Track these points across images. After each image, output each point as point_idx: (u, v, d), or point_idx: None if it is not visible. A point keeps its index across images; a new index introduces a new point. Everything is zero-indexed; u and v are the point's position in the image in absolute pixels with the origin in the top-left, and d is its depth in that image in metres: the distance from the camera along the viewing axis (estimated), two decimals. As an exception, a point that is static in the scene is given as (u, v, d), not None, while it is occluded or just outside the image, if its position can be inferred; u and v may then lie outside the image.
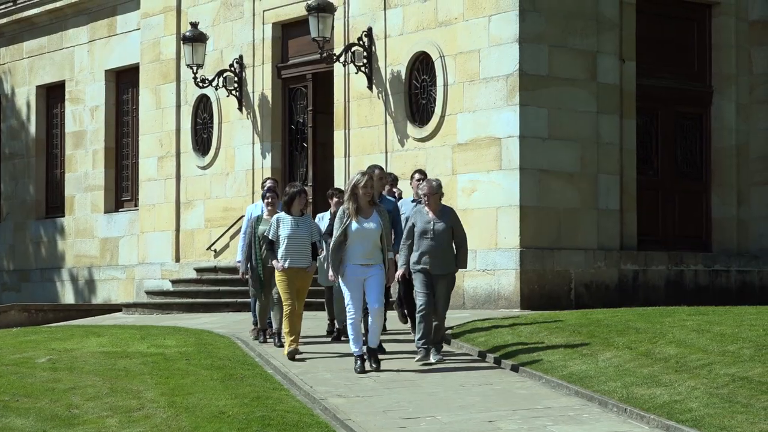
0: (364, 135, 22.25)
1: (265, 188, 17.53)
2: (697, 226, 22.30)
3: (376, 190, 14.77)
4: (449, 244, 14.62)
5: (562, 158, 19.88)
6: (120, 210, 29.68)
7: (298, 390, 13.13)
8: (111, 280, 29.15)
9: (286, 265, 15.07)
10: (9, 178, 32.95)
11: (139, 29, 27.73)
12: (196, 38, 24.76)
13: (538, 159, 19.51)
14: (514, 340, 15.44)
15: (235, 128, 24.93)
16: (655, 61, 21.68)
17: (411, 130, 21.38)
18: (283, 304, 15.19)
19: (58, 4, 30.98)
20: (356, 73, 22.25)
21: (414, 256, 14.42)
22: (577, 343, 14.85)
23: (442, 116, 20.85)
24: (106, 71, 29.99)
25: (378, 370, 14.04)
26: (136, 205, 28.42)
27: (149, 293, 24.41)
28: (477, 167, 19.26)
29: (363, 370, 13.90)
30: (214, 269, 24.00)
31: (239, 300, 21.52)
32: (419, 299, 14.45)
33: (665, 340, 14.52)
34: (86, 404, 12.39)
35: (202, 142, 25.71)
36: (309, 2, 22.09)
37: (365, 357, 14.11)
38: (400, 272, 14.71)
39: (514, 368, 14.05)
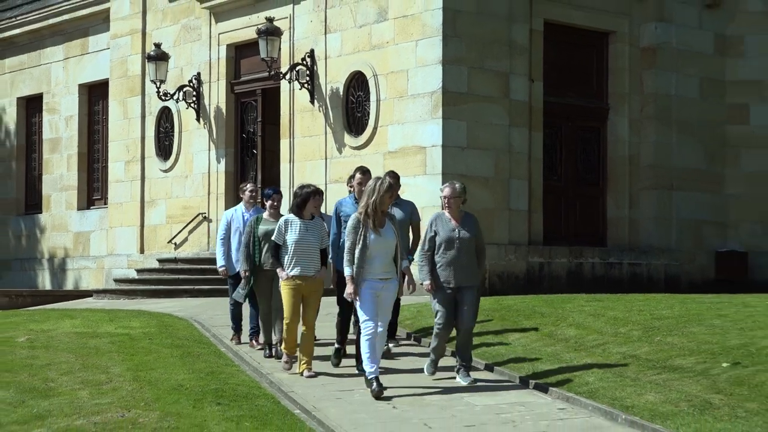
0: (306, 143, 22.23)
1: (271, 189, 14.62)
2: (594, 224, 22.47)
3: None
4: (474, 254, 11.82)
5: (478, 165, 19.96)
6: (91, 207, 29.48)
7: (248, 366, 13.14)
8: (83, 269, 28.96)
9: (292, 273, 12.23)
10: (-8, 180, 32.69)
11: (108, 48, 27.55)
12: (159, 57, 24.70)
13: (458, 165, 19.57)
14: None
15: (193, 136, 24.83)
16: (560, 82, 21.81)
17: (348, 139, 21.39)
18: (284, 316, 12.36)
19: (36, 26, 30.83)
20: (300, 89, 22.22)
21: (439, 269, 11.66)
22: (491, 327, 14.95)
23: (375, 128, 20.89)
24: (80, 85, 29.78)
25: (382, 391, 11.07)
26: (105, 203, 28.24)
27: (117, 281, 24.28)
28: (405, 172, 19.28)
29: (381, 393, 10.98)
30: (175, 260, 23.90)
31: (197, 287, 21.56)
32: (438, 317, 11.72)
33: (566, 323, 14.66)
34: (60, 378, 12.33)
35: (164, 148, 25.58)
36: (259, 27, 22.11)
37: (379, 378, 11.21)
38: (427, 284, 11.71)
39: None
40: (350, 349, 13.21)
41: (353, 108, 21.48)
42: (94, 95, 29.64)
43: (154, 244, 25.64)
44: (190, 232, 24.53)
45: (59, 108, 30.45)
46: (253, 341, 14.66)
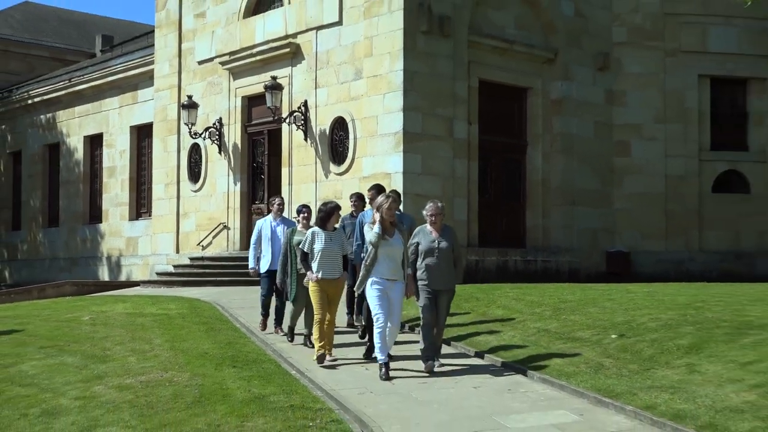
0: (301, 170, 22.16)
1: (302, 206, 13.38)
2: (516, 231, 22.47)
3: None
4: (451, 261, 10.86)
5: (430, 187, 19.93)
6: (139, 219, 29.32)
7: (257, 338, 13.10)
8: (133, 265, 28.81)
9: (320, 276, 11.31)
10: (65, 197, 32.47)
11: (152, 99, 27.40)
12: (190, 106, 24.62)
13: (415, 187, 19.55)
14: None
15: (216, 165, 24.73)
16: (490, 125, 21.77)
17: (332, 167, 21.33)
18: (315, 313, 11.40)
19: (98, 82, 30.70)
20: (296, 130, 22.15)
21: (419, 273, 10.74)
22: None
23: (353, 159, 20.83)
24: (131, 127, 29.63)
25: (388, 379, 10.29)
26: (149, 216, 28.10)
27: (158, 274, 24.14)
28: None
29: (388, 377, 10.27)
30: (202, 258, 23.77)
31: (218, 279, 21.41)
32: (424, 317, 10.76)
33: (495, 305, 14.69)
34: (114, 348, 12.30)
35: (194, 174, 25.45)
36: (266, 83, 22.07)
37: (389, 365, 10.50)
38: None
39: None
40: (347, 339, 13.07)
41: (336, 144, 21.40)
42: (142, 134, 29.49)
43: (186, 246, 25.52)
44: (214, 237, 24.44)
45: (115, 144, 30.29)
46: (278, 329, 13.55)
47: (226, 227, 24.28)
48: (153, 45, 27.75)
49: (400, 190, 19.25)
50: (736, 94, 24.41)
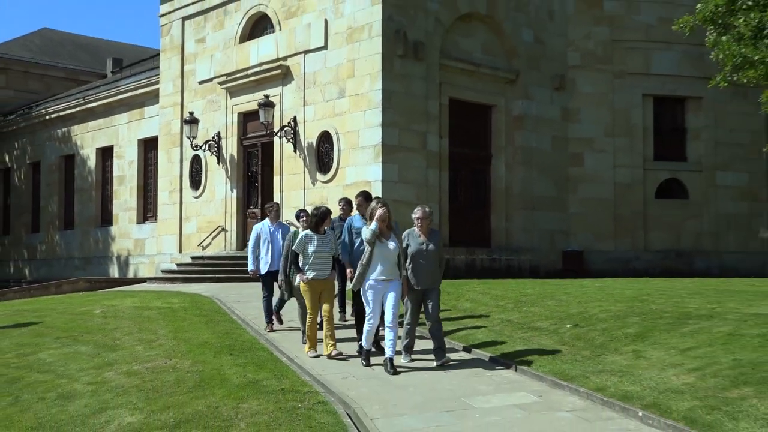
0: (291, 179, 22.09)
1: (302, 211, 12.61)
2: (482, 233, 22.48)
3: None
4: (437, 262, 10.38)
5: (406, 194, 19.92)
6: (146, 222, 29.12)
7: (251, 329, 13.03)
8: (140, 263, 28.62)
9: (311, 276, 10.81)
10: (80, 203, 32.28)
11: (158, 115, 27.25)
12: (192, 121, 24.52)
13: (392, 194, 19.48)
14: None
15: (214, 174, 24.62)
16: (459, 139, 21.79)
17: (319, 176, 21.27)
18: (308, 313, 11.01)
19: (109, 100, 30.53)
20: (287, 143, 22.07)
21: (407, 273, 10.24)
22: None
23: (337, 168, 20.78)
24: (138, 140, 29.45)
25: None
26: (155, 219, 27.92)
27: (163, 271, 23.98)
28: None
29: (368, 364, 10.13)
30: (202, 257, 23.63)
31: (217, 276, 21.28)
32: (408, 314, 10.39)
33: (464, 299, 14.70)
34: (123, 338, 12.22)
35: (195, 182, 25.30)
36: (259, 101, 22.04)
37: (371, 353, 10.32)
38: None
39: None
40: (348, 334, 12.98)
41: (322, 155, 21.32)
42: (148, 146, 29.31)
43: (188, 246, 25.38)
44: (213, 238, 24.32)
45: (124, 155, 30.09)
46: (276, 320, 13.10)
47: (223, 229, 24.17)
48: (158, 67, 27.64)
49: (380, 195, 19.31)
50: (675, 111, 24.58)
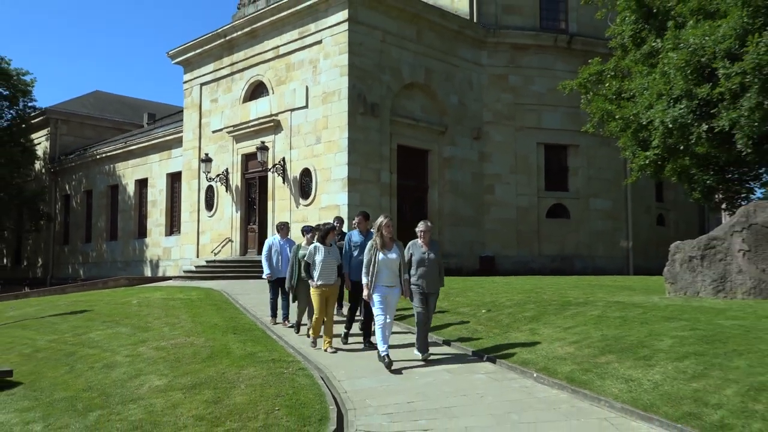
0: (280, 203, 21.92)
1: (307, 227, 11.27)
2: (421, 243, 22.48)
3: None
4: (437, 269, 8.86)
5: (365, 214, 19.89)
6: (172, 235, 28.73)
7: (251, 315, 12.83)
8: (167, 266, 28.16)
9: (320, 282, 9.66)
10: (122, 220, 31.71)
11: (182, 156, 26.95)
12: (207, 160, 24.24)
13: (355, 215, 19.34)
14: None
15: (224, 200, 24.36)
16: (405, 174, 21.79)
17: (301, 201, 21.13)
18: (315, 313, 9.82)
19: (144, 144, 30.20)
20: (278, 177, 21.91)
21: (414, 280, 8.78)
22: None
23: (315, 195, 20.67)
24: (167, 174, 29.11)
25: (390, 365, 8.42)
26: (179, 233, 27.55)
27: (185, 272, 23.58)
28: (329, 218, 19.19)
29: (391, 364, 8.34)
30: (214, 261, 23.30)
31: (226, 275, 20.98)
32: (418, 315, 8.83)
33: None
34: (154, 321, 11.97)
35: (209, 205, 24.96)
36: (257, 146, 21.96)
37: (389, 355, 8.58)
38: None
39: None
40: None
41: (304, 186, 21.18)
42: (174, 179, 28.97)
43: (203, 253, 25.02)
44: (222, 247, 24.01)
45: (156, 185, 29.68)
46: (285, 322, 11.66)
47: (230, 240, 23.90)
48: (182, 120, 27.37)
49: (345, 216, 19.26)
50: (560, 155, 24.93)
